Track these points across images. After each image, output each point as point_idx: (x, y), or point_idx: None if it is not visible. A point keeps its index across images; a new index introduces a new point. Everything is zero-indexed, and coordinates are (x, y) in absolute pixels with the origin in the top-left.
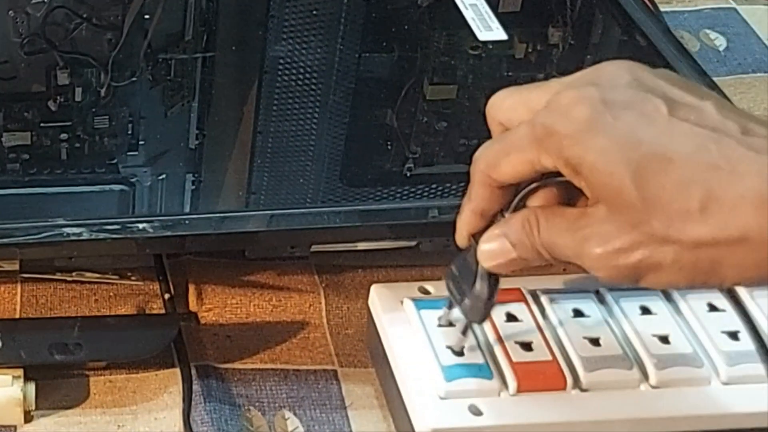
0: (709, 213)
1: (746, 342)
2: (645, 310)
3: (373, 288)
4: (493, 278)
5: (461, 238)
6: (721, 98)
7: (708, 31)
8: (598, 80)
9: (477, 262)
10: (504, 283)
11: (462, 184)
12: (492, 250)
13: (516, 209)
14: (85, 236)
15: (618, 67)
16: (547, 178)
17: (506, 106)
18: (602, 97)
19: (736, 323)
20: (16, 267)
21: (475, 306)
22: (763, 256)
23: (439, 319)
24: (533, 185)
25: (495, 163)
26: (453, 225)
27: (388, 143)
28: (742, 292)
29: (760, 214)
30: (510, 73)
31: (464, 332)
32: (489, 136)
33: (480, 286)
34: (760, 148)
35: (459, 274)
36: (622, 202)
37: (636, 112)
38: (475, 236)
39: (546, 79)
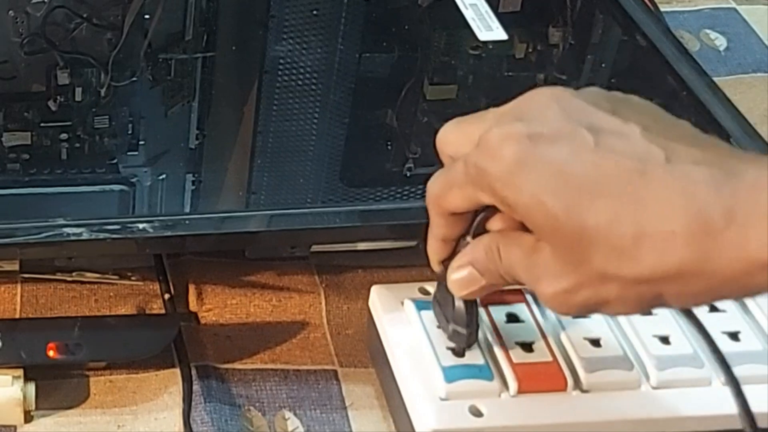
0: (642, 250)
1: (747, 343)
2: (645, 311)
3: (374, 289)
4: (470, 304)
5: (433, 264)
6: (648, 112)
7: (708, 31)
8: (526, 113)
9: (453, 309)
10: None
11: None
12: (461, 279)
13: (476, 233)
14: (86, 236)
15: (544, 96)
16: None
17: (450, 139)
18: (529, 132)
19: (738, 324)
20: (16, 267)
21: (458, 333)
22: (701, 288)
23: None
24: (487, 211)
25: (442, 194)
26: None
27: (388, 143)
28: None
29: (691, 248)
30: (510, 73)
31: (452, 338)
32: None
33: (459, 314)
34: (683, 175)
35: (440, 301)
36: (561, 240)
37: (563, 146)
38: (445, 262)
39: (546, 79)
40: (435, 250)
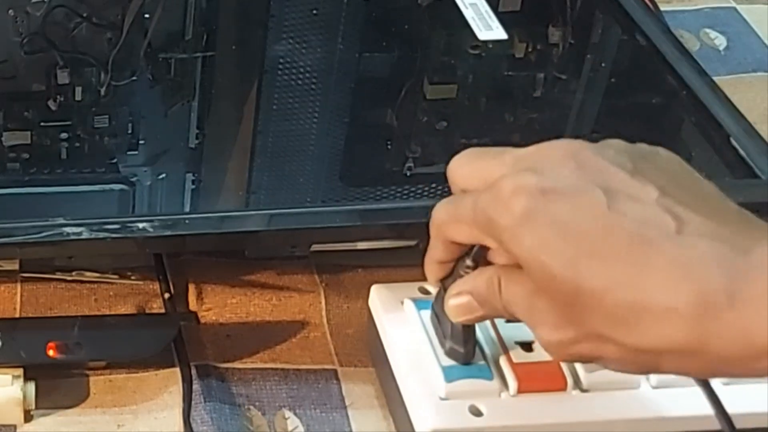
0: (641, 322)
1: None
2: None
3: (374, 288)
4: (467, 324)
5: (431, 283)
6: (671, 170)
7: (708, 30)
8: (542, 165)
9: None
10: None
11: None
12: (459, 306)
13: (476, 258)
14: (85, 236)
15: (563, 150)
16: None
17: (463, 173)
18: (541, 186)
19: None
20: (16, 266)
21: (455, 351)
22: (701, 365)
23: None
24: None
25: (446, 224)
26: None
27: (388, 143)
28: None
29: (691, 327)
30: (510, 73)
31: (449, 354)
32: (490, 135)
33: (456, 332)
34: (690, 249)
35: (438, 315)
36: (558, 297)
37: (574, 204)
38: (444, 281)
39: (546, 79)
40: (433, 270)
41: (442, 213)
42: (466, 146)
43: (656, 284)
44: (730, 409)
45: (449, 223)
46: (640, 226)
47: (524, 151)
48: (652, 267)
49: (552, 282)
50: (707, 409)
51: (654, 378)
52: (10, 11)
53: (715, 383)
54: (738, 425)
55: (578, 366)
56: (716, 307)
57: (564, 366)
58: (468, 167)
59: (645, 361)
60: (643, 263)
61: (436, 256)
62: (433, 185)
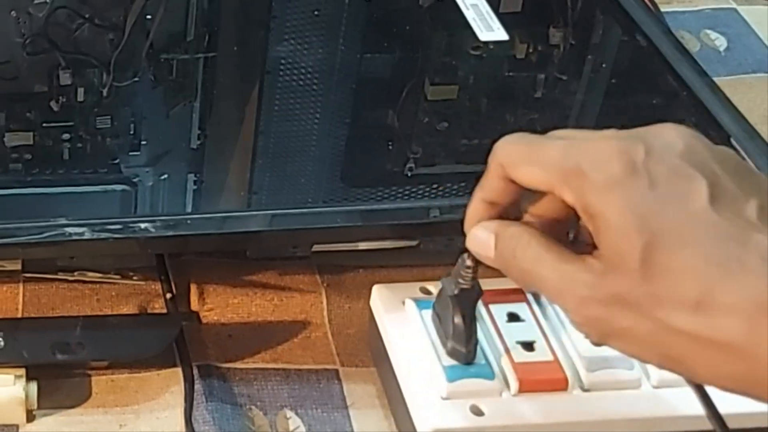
0: (701, 309)
1: None
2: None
3: (375, 288)
4: (469, 322)
5: (466, 226)
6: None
7: (708, 31)
8: (652, 140)
9: (453, 306)
10: (505, 283)
11: (464, 184)
12: (476, 238)
13: (476, 258)
14: (87, 236)
15: (677, 133)
16: None
17: (522, 150)
18: (646, 161)
19: None
20: (19, 267)
21: (457, 351)
22: (741, 369)
23: None
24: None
25: (515, 164)
26: (455, 224)
27: (390, 143)
28: None
29: (752, 326)
30: (511, 74)
31: (451, 354)
32: (490, 136)
33: (458, 332)
34: None
35: (440, 315)
36: (623, 267)
37: (675, 188)
38: (445, 278)
39: (547, 79)
40: (477, 209)
41: (511, 150)
42: (467, 147)
43: (730, 281)
44: (723, 409)
45: (519, 163)
46: (737, 229)
47: (635, 129)
48: (734, 266)
49: (627, 252)
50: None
51: (655, 377)
52: (13, 12)
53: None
54: (731, 425)
55: (579, 365)
56: None
57: (565, 365)
58: (528, 144)
59: (678, 349)
60: (725, 261)
61: (489, 195)
62: (434, 186)
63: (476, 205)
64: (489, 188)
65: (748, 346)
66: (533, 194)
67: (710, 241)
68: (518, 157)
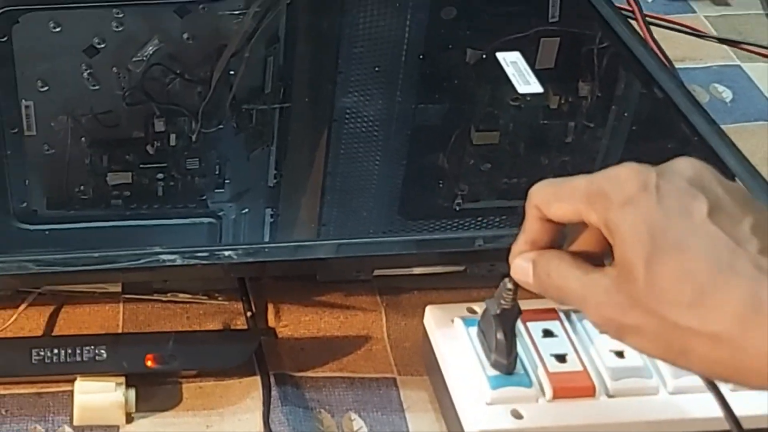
0: (696, 307)
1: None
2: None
3: (428, 309)
4: (510, 337)
5: (511, 259)
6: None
7: (716, 85)
8: (665, 167)
9: (495, 324)
10: (541, 304)
11: (504, 217)
12: (518, 267)
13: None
14: (179, 262)
15: (689, 163)
16: None
17: (554, 191)
18: (657, 183)
19: None
20: (119, 289)
21: (499, 362)
22: (730, 358)
23: None
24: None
25: (547, 202)
26: (497, 252)
27: (440, 182)
28: None
29: (740, 320)
30: (545, 122)
31: (494, 366)
32: (527, 175)
33: (500, 346)
34: (765, 267)
35: (484, 331)
36: (633, 273)
37: (679, 204)
38: (488, 300)
39: (576, 127)
40: (521, 250)
41: (542, 192)
42: (507, 185)
43: (721, 281)
44: (739, 411)
45: (552, 201)
46: (729, 239)
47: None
48: (725, 269)
49: (634, 261)
50: (719, 412)
51: (671, 385)
52: (114, 68)
53: (724, 389)
54: (746, 426)
55: (605, 375)
56: (762, 310)
57: (593, 375)
58: (561, 185)
59: (678, 341)
60: (717, 265)
61: (530, 236)
62: (479, 218)
63: (519, 246)
64: (529, 230)
65: (736, 337)
66: (572, 233)
67: (706, 248)
68: (550, 196)
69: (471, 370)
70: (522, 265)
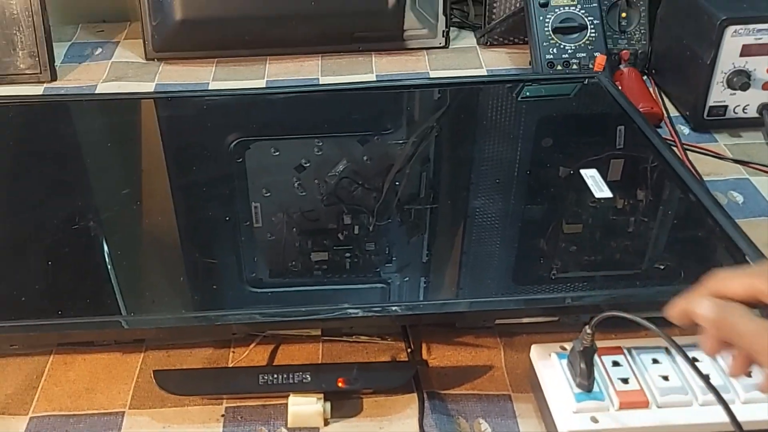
0: None
1: (758, 377)
2: (695, 359)
3: (533, 346)
4: (589, 366)
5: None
6: None
7: (732, 192)
8: None
9: (579, 357)
10: (610, 344)
11: (585, 283)
12: (702, 304)
13: (592, 327)
14: (361, 314)
15: None
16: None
17: (734, 284)
18: None
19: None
20: (319, 333)
21: (582, 384)
22: None
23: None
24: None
25: (724, 279)
26: (581, 308)
27: (541, 258)
28: None
29: None
30: (613, 217)
31: (579, 376)
32: (602, 254)
33: (582, 373)
34: None
35: (572, 362)
36: None
37: None
38: (573, 342)
39: (635, 221)
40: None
41: (720, 275)
42: (587, 261)
43: None
44: (748, 418)
45: (728, 279)
46: None
47: None
48: None
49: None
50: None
51: (701, 399)
52: (315, 180)
53: (737, 402)
54: (747, 428)
55: (655, 392)
56: None
57: (647, 392)
58: (739, 279)
59: None
60: None
61: (713, 350)
62: (567, 284)
63: (701, 291)
64: (713, 345)
65: None
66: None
67: None
68: (727, 277)
69: (562, 389)
70: (707, 303)
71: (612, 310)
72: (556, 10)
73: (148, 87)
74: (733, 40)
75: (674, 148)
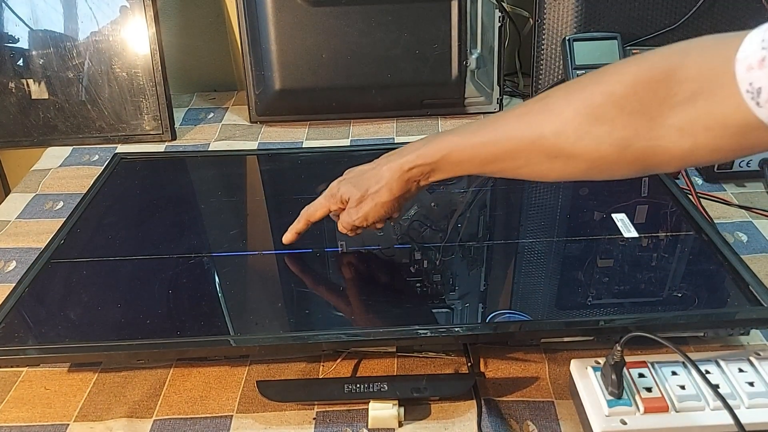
0: None
1: (759, 386)
2: (707, 372)
3: (572, 361)
4: (619, 378)
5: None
6: None
7: (738, 232)
8: None
9: (611, 370)
10: (636, 358)
11: (616, 309)
12: None
13: (622, 345)
14: (429, 334)
15: None
16: None
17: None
18: None
19: (753, 377)
20: (395, 349)
21: (613, 392)
22: None
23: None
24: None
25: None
26: (613, 329)
27: (579, 288)
28: (754, 363)
29: None
30: (640, 253)
31: (611, 386)
32: (630, 284)
33: (613, 384)
34: None
35: (604, 374)
36: None
37: None
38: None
39: (658, 257)
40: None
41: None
42: (618, 290)
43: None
44: (750, 420)
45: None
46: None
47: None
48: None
49: None
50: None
51: (712, 405)
52: (391, 223)
53: (742, 408)
54: (749, 429)
55: (674, 399)
56: None
57: (667, 399)
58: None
59: None
60: None
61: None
62: (601, 309)
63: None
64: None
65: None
66: None
67: None
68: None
69: (597, 396)
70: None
71: (638, 331)
72: None
73: (252, 145)
74: None
75: (689, 196)
